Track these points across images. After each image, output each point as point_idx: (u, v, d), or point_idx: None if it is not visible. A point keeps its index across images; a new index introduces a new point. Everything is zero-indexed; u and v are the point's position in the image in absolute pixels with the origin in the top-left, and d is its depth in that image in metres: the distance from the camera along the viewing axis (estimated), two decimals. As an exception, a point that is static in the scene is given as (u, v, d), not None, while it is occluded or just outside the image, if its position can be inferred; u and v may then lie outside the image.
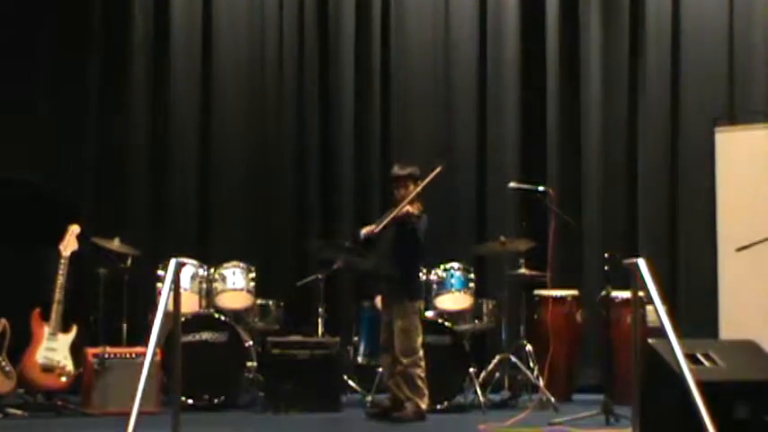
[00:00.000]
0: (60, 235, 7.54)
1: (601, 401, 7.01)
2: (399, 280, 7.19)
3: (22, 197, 8.45)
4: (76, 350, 7.43)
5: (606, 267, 7.37)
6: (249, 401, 7.88)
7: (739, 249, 7.60)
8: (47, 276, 7.59)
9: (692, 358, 5.10)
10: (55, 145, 8.93)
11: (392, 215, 7.09)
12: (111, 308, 7.75)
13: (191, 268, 7.90)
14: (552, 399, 7.69)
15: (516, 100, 9.41)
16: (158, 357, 7.04)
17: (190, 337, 7.57)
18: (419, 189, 7.12)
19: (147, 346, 4.83)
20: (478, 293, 8.09)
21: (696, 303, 8.79)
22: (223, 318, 7.82)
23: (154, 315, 5.66)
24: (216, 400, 7.63)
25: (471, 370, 7.63)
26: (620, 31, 9.41)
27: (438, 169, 7.10)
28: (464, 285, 7.91)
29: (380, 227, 7.08)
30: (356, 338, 7.96)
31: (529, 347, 8.02)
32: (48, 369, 7.32)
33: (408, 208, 7.05)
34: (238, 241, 9.00)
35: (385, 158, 9.16)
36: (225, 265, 8.04)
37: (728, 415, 5.03)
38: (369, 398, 7.72)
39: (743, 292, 8.09)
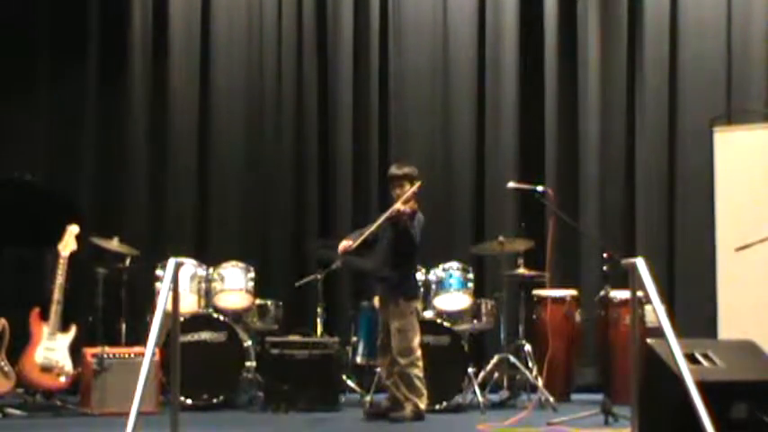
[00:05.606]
0: (59, 235, 7.54)
1: (599, 401, 7.00)
2: (395, 280, 7.18)
3: (21, 197, 8.44)
4: (75, 350, 7.43)
5: (605, 267, 7.37)
6: (248, 401, 7.89)
7: (738, 249, 7.58)
8: (46, 276, 7.59)
9: (690, 358, 5.09)
10: (54, 145, 8.93)
11: (367, 231, 7.06)
12: (109, 308, 7.75)
13: (189, 268, 7.89)
14: (551, 398, 7.69)
15: (515, 100, 9.41)
16: (157, 357, 7.05)
17: (189, 337, 7.57)
18: (399, 202, 7.05)
19: (145, 345, 4.84)
20: (477, 293, 8.09)
21: (695, 303, 8.78)
22: (222, 318, 7.82)
23: (153, 315, 5.65)
24: (215, 400, 7.64)
25: (470, 370, 7.64)
26: (619, 31, 9.39)
27: (415, 186, 7.09)
28: (463, 285, 7.90)
29: (357, 243, 7.07)
30: (355, 338, 7.95)
31: (528, 347, 8.02)
32: (47, 369, 7.31)
33: (401, 207, 7.04)
34: (237, 241, 9.02)
35: (383, 159, 9.16)
36: (224, 264, 8.04)
37: (727, 415, 5.03)
38: (367, 398, 7.71)
39: (742, 292, 8.08)
